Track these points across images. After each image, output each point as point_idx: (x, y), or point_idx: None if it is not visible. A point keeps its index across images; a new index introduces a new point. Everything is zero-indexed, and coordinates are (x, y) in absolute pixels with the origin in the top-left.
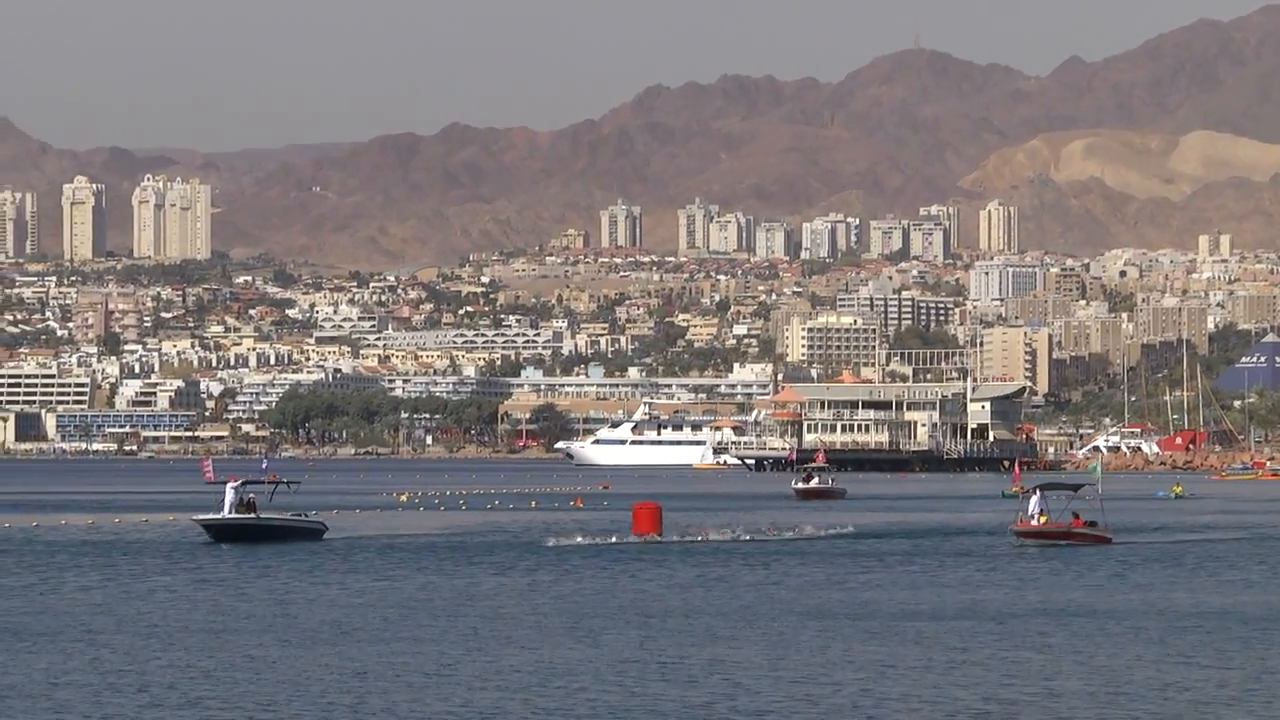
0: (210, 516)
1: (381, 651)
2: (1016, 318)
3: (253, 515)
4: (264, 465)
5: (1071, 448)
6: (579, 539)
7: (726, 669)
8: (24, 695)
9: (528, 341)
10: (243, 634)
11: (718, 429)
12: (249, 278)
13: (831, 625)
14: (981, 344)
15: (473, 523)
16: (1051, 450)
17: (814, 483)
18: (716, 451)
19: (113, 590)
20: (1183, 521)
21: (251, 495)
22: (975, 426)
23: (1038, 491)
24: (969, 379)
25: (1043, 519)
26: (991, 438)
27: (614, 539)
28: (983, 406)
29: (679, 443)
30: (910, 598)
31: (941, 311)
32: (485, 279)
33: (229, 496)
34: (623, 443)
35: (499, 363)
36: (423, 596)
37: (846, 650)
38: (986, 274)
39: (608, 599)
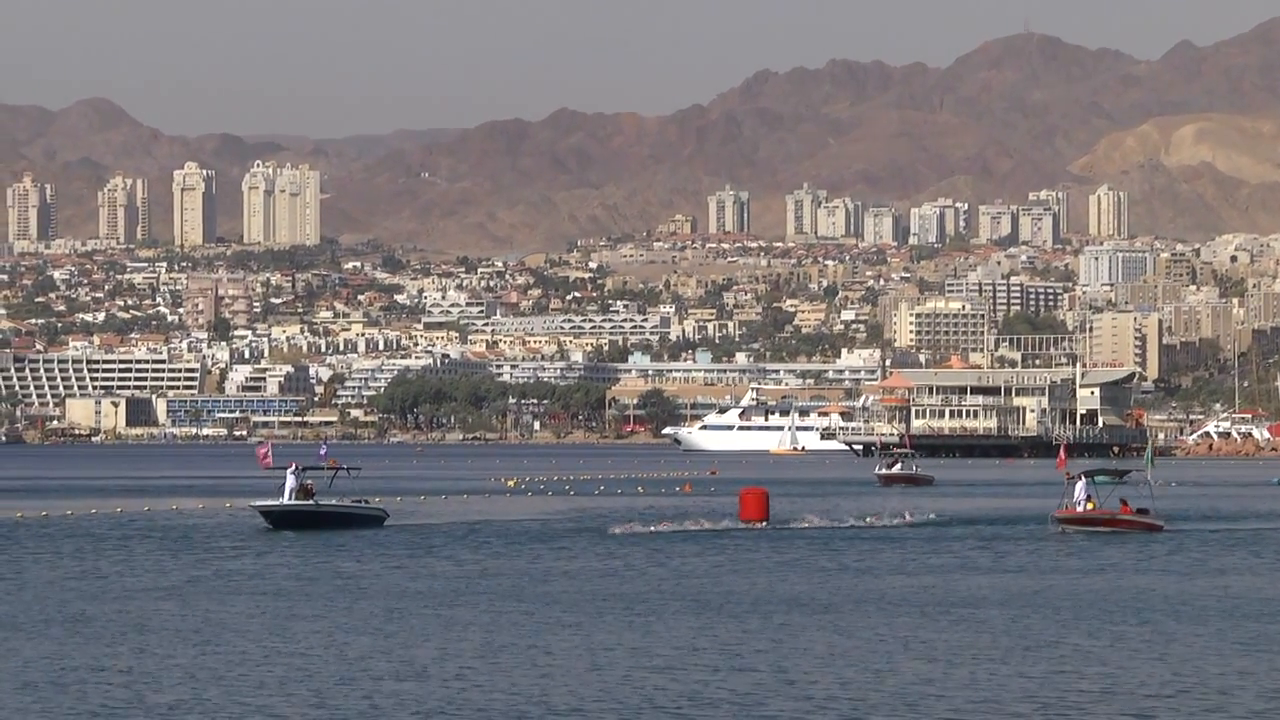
0: (269, 503)
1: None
2: (1126, 303)
3: (311, 501)
4: (322, 451)
5: (1181, 434)
6: (636, 526)
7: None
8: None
9: (635, 327)
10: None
11: (825, 414)
12: (358, 263)
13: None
14: (1091, 329)
15: (555, 509)
16: (1162, 436)
17: (897, 468)
18: (823, 436)
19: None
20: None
21: (310, 481)
22: (1084, 412)
23: (1082, 478)
24: (1078, 364)
25: (1090, 505)
26: (1101, 423)
27: (687, 524)
28: (1092, 392)
29: (785, 428)
30: (916, 583)
31: (1050, 297)
32: (593, 264)
33: (289, 482)
34: (730, 428)
35: (606, 348)
36: (422, 581)
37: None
38: (1096, 259)
39: (612, 585)
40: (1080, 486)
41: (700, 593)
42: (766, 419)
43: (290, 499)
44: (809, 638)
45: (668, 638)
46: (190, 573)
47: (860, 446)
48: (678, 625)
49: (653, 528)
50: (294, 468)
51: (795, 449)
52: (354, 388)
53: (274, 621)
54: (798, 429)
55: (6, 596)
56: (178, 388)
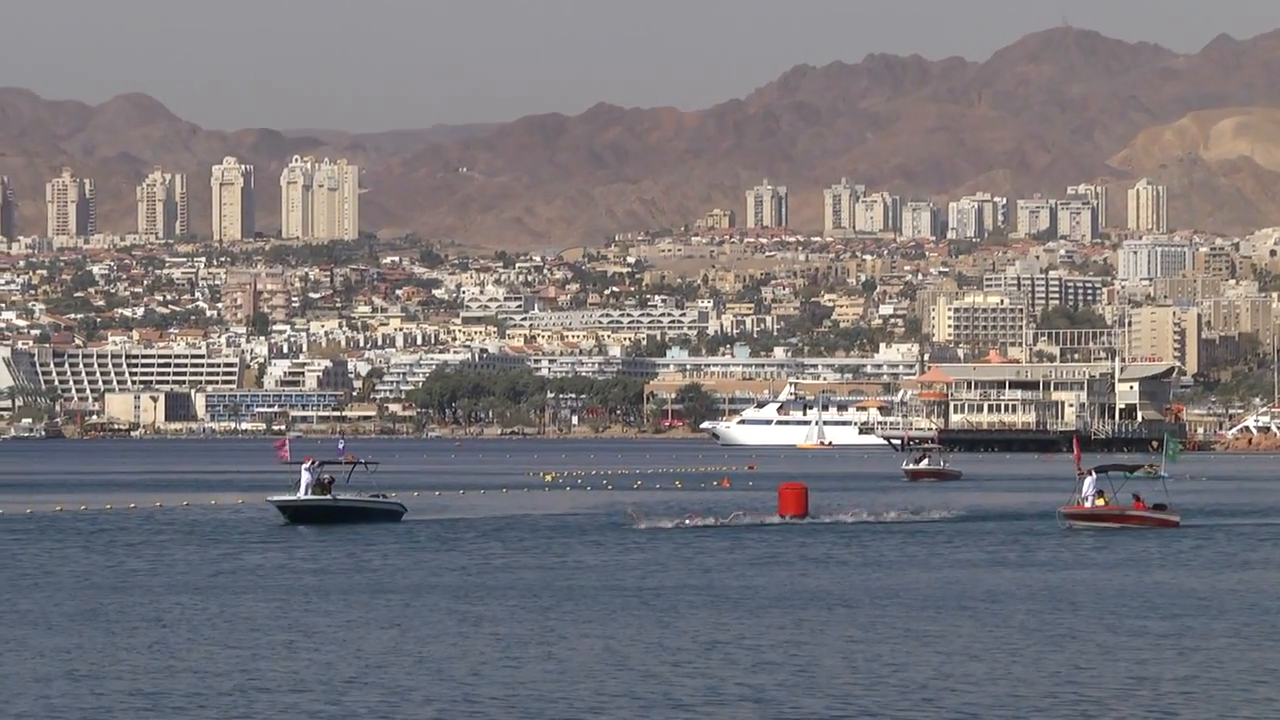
0: (286, 497)
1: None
2: (1165, 297)
3: (328, 496)
4: (340, 446)
5: (1220, 428)
6: (667, 522)
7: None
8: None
9: (673, 321)
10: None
11: (863, 409)
12: (396, 258)
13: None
14: (1130, 324)
15: (587, 503)
16: (1201, 431)
17: (924, 464)
18: (861, 431)
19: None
20: None
21: (328, 476)
22: (1123, 407)
23: (1092, 473)
24: (1117, 359)
25: (1101, 501)
26: (1140, 418)
27: (712, 520)
28: (1131, 387)
29: (825, 423)
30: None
31: (1089, 291)
32: (631, 259)
33: (304, 477)
34: (768, 423)
35: (644, 343)
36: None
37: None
38: (1135, 253)
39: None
40: (1089, 482)
41: (723, 587)
42: (804, 414)
43: (306, 494)
44: (829, 633)
45: (687, 632)
46: (209, 567)
47: (898, 441)
48: (696, 620)
49: (687, 521)
50: (310, 463)
51: (822, 443)
52: (392, 382)
53: (291, 616)
54: (833, 423)
55: (31, 590)
56: (216, 382)
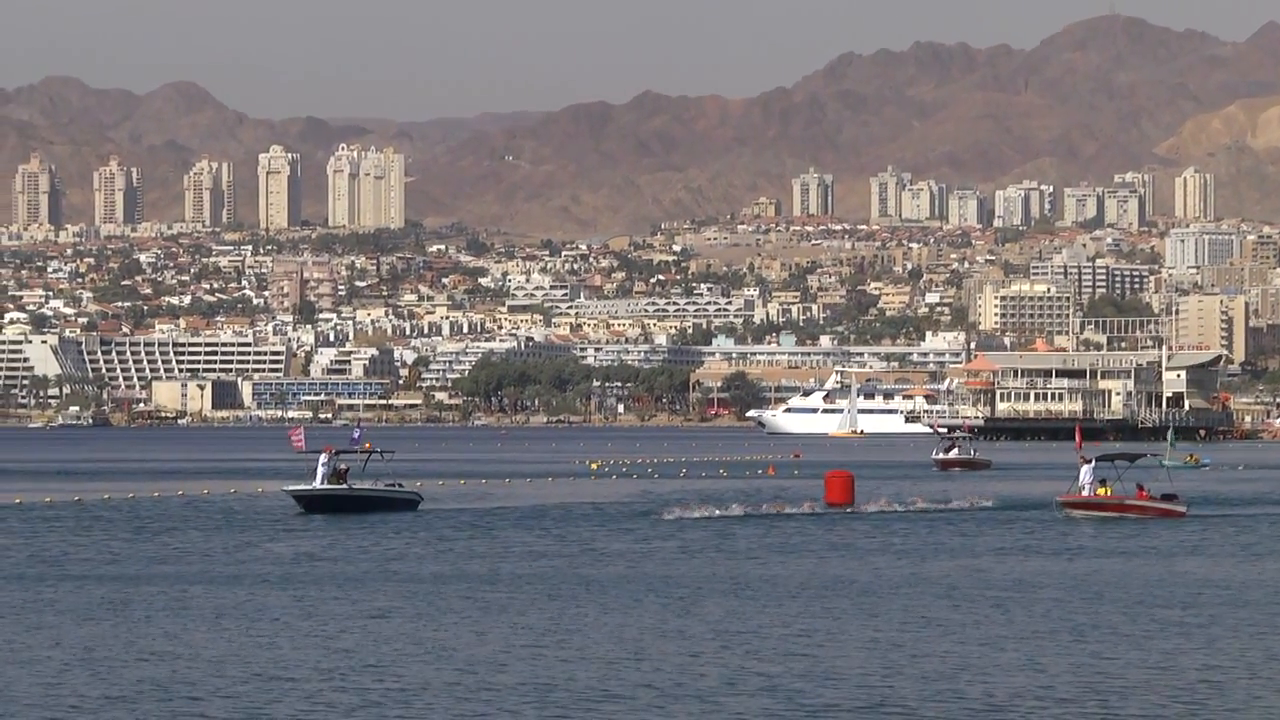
0: (301, 487)
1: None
2: (1212, 285)
3: (344, 485)
4: (355, 434)
5: (1268, 416)
6: (697, 512)
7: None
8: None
9: (719, 310)
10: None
11: (910, 397)
12: (442, 246)
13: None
14: (1177, 312)
15: (618, 492)
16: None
17: (954, 453)
18: (907, 420)
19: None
20: None
21: (344, 465)
22: (1170, 395)
23: (1092, 461)
24: (1164, 347)
25: (1101, 490)
26: (1187, 406)
27: (735, 509)
28: (1178, 375)
29: (870, 411)
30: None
31: (1136, 279)
32: (677, 247)
33: (321, 466)
34: (814, 411)
35: (690, 331)
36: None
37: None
38: (1182, 241)
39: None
40: (1087, 470)
41: (745, 576)
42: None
43: (323, 483)
44: (849, 621)
45: (708, 621)
46: (230, 555)
47: (944, 429)
48: (716, 609)
49: (717, 511)
50: (329, 451)
51: (854, 431)
52: (438, 371)
53: (308, 605)
54: (878, 412)
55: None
56: (263, 370)
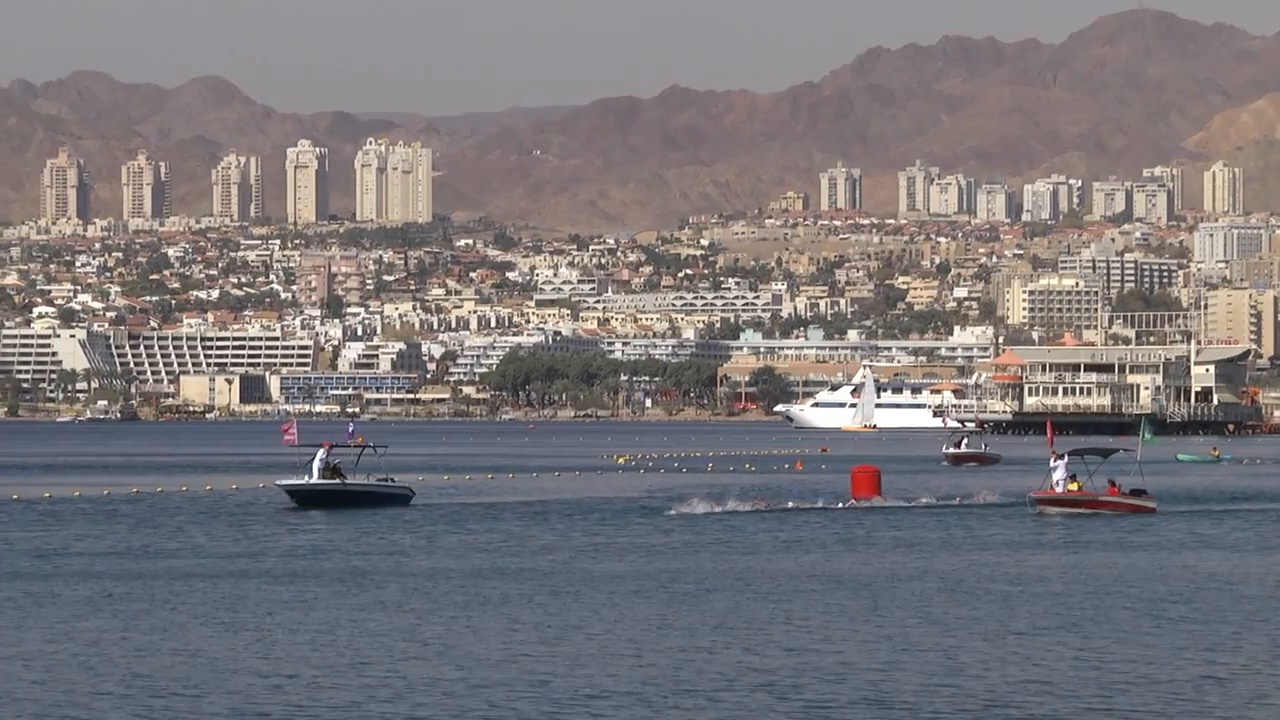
0: (294, 482)
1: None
2: (1241, 280)
3: (338, 481)
4: (350, 429)
5: None
6: (700, 507)
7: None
8: None
9: (747, 304)
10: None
11: (938, 392)
12: (469, 241)
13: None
14: (1205, 306)
15: (631, 488)
16: (1277, 414)
17: (964, 447)
18: (935, 414)
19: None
20: None
21: (339, 461)
22: (1199, 390)
23: (1065, 456)
24: (1193, 342)
25: (1073, 486)
26: (1216, 401)
27: (737, 505)
28: (1207, 369)
29: (898, 405)
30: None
31: (1165, 274)
32: (704, 242)
33: (316, 461)
34: (842, 405)
35: (718, 325)
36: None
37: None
38: (1211, 236)
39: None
40: (1061, 466)
41: (746, 571)
42: (879, 396)
43: (317, 478)
44: (848, 616)
45: (707, 617)
46: (224, 550)
47: (972, 424)
48: (715, 605)
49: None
50: (327, 447)
51: (867, 426)
52: (466, 365)
53: (302, 601)
54: (905, 406)
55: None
56: (291, 365)
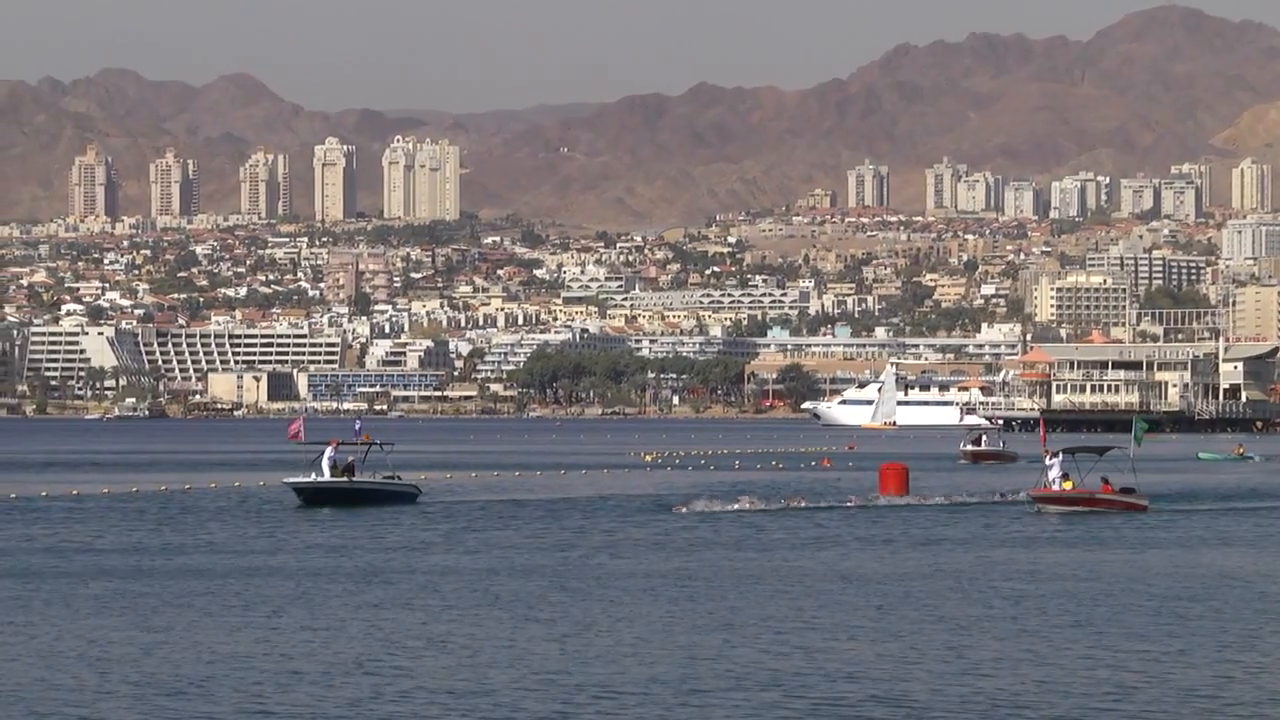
0: (301, 479)
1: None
2: (1270, 277)
3: (345, 479)
4: (357, 426)
5: None
6: (703, 506)
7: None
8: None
9: (774, 301)
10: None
11: (965, 389)
12: (497, 238)
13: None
14: (1234, 304)
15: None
16: None
17: (983, 444)
18: (964, 411)
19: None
20: None
21: (351, 459)
22: (1227, 387)
23: (1060, 455)
24: (1221, 339)
25: (1067, 484)
26: (1244, 398)
27: (743, 504)
28: (1235, 367)
29: (926, 403)
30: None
31: (1193, 271)
32: (732, 239)
33: (325, 460)
34: (870, 403)
35: (745, 323)
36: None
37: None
38: (1239, 233)
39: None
40: (1056, 464)
41: (751, 570)
42: (906, 394)
43: (328, 476)
44: (854, 614)
45: (715, 616)
46: (226, 548)
47: (1000, 421)
48: (721, 603)
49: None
50: (335, 444)
51: (887, 423)
52: (493, 362)
53: (308, 598)
54: (933, 403)
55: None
56: (319, 362)
